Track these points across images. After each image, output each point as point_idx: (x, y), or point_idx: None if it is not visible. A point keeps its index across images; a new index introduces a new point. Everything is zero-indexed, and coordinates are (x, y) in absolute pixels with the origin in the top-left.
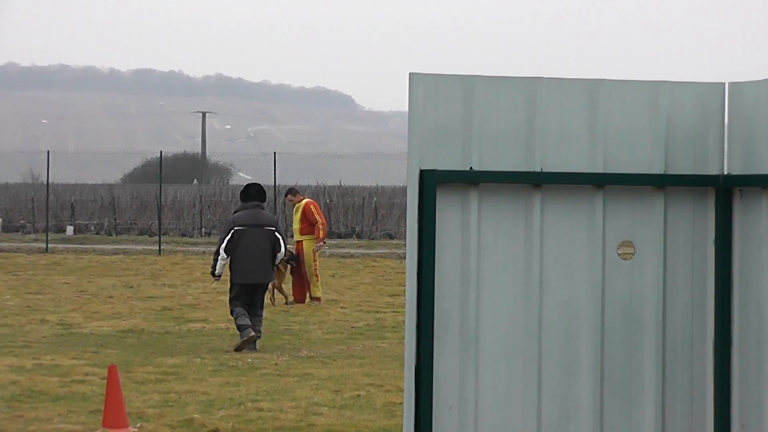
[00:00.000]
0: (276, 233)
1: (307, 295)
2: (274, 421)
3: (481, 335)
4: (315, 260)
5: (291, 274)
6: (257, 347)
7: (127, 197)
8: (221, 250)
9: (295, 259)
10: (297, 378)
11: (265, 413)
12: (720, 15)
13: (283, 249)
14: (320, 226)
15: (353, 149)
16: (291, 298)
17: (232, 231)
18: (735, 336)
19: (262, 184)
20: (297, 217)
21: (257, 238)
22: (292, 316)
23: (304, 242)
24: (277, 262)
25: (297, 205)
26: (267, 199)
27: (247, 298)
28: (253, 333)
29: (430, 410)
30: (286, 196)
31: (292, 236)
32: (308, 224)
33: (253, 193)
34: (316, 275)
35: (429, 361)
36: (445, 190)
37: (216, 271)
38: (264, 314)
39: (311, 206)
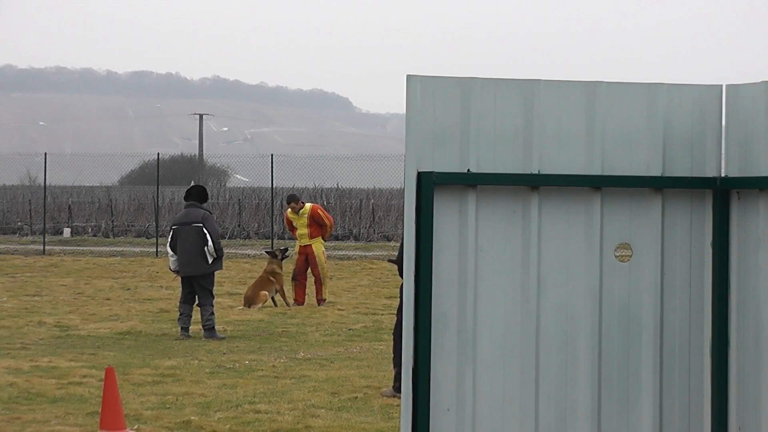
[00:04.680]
0: (203, 229)
1: (319, 295)
2: (271, 423)
3: (478, 337)
4: (325, 262)
5: (293, 279)
6: (219, 335)
7: (125, 199)
8: (167, 248)
9: (284, 251)
10: (294, 380)
11: (263, 415)
12: (717, 17)
13: (210, 243)
14: (329, 229)
15: (350, 151)
16: (291, 302)
17: (171, 230)
18: (732, 338)
19: (259, 185)
20: (303, 221)
21: (188, 234)
22: (289, 318)
23: (313, 245)
24: (207, 256)
25: (302, 210)
26: (209, 199)
27: (188, 288)
28: (181, 337)
29: (427, 412)
30: (289, 203)
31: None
32: (317, 227)
33: (193, 193)
34: (327, 277)
35: (426, 363)
36: (442, 192)
37: (170, 267)
38: (261, 317)
39: (318, 210)
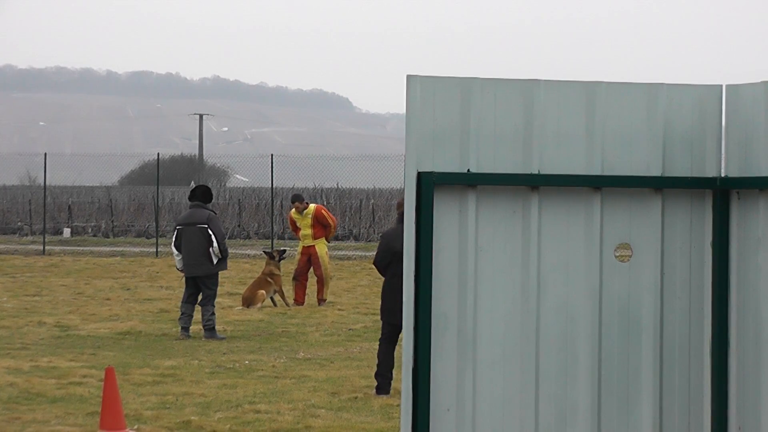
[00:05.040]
0: (208, 230)
1: (320, 295)
2: (271, 423)
3: (478, 337)
4: (328, 262)
5: (294, 279)
6: (219, 335)
7: (125, 199)
8: (172, 247)
9: (282, 252)
10: (294, 380)
11: (263, 415)
12: (717, 17)
13: (215, 244)
14: (333, 229)
15: (350, 151)
16: (291, 302)
17: (176, 230)
18: (732, 338)
19: (259, 186)
20: (307, 222)
21: (191, 235)
22: (289, 318)
23: (317, 246)
24: (212, 257)
25: (306, 211)
26: (213, 199)
27: (192, 288)
28: (181, 337)
29: (427, 412)
30: (293, 203)
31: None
32: (320, 228)
33: (198, 193)
34: (329, 277)
35: (426, 363)
36: (442, 192)
37: (177, 267)
38: (261, 317)
39: (322, 211)
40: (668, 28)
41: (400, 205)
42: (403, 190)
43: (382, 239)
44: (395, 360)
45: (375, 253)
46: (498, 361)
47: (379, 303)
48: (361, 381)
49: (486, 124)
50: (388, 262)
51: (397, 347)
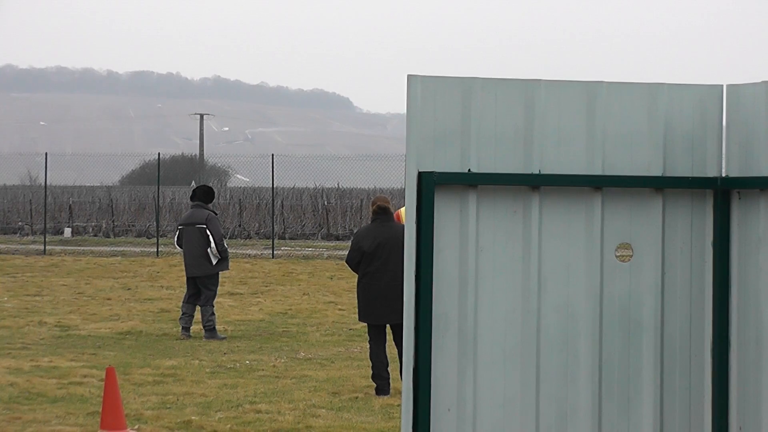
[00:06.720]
0: (206, 230)
1: None
2: (271, 423)
3: (479, 337)
4: None
5: None
6: (220, 335)
7: (125, 199)
8: (175, 245)
9: None
10: (295, 380)
11: (263, 415)
12: (718, 17)
13: (212, 244)
14: None
15: (351, 151)
16: None
17: (178, 230)
18: (733, 338)
19: (260, 185)
20: None
21: (191, 235)
22: (290, 318)
23: None
24: (211, 257)
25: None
26: (215, 198)
27: (193, 289)
28: (182, 337)
29: (428, 412)
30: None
31: None
32: None
33: (199, 193)
34: None
35: (427, 363)
36: (443, 192)
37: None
38: (262, 317)
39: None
40: (669, 27)
41: (374, 204)
42: (382, 190)
43: (353, 237)
44: (396, 361)
45: (348, 252)
46: (498, 361)
47: None
48: (362, 381)
49: (487, 124)
50: (357, 261)
51: (390, 346)
